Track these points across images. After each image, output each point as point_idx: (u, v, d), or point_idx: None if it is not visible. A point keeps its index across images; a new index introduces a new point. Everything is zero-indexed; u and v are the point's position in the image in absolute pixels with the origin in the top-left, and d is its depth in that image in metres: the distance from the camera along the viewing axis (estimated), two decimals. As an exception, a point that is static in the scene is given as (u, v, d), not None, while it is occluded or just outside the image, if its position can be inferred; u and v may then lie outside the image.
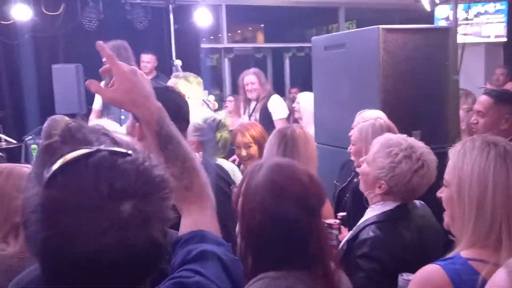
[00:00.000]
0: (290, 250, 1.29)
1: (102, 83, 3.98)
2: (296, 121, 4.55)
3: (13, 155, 4.89)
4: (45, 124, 2.95)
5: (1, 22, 5.54)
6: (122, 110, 4.58)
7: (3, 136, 4.59)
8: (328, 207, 2.16)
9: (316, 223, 1.34)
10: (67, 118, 2.99)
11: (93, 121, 4.35)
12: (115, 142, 0.82)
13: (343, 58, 3.32)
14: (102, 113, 4.49)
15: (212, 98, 4.64)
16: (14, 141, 4.63)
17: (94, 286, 0.73)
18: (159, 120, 1.10)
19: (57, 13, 5.76)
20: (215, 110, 4.64)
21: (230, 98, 5.78)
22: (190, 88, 3.09)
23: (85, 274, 0.72)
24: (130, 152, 0.79)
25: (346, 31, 4.24)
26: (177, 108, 1.72)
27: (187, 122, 1.78)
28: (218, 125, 2.64)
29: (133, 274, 0.76)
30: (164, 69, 6.12)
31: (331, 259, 1.38)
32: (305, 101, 4.18)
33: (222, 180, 2.04)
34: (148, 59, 5.67)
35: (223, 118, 2.77)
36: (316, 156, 2.29)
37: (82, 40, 5.78)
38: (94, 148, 0.77)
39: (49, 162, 0.76)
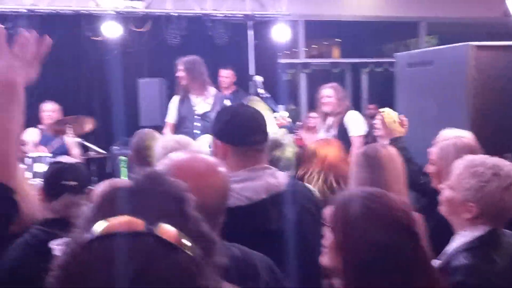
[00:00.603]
0: (398, 280, 1.25)
1: (176, 98, 4.03)
2: (375, 139, 4.44)
3: (101, 164, 5.17)
4: (134, 138, 3.09)
5: (93, 38, 5.91)
6: (195, 124, 4.66)
7: (93, 146, 4.87)
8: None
9: (422, 248, 1.29)
10: (155, 133, 3.10)
11: (168, 135, 4.49)
12: (186, 217, 0.70)
13: (429, 75, 3.22)
14: (176, 127, 4.63)
15: (285, 114, 4.63)
16: (103, 151, 4.89)
17: None
18: None
19: (144, 30, 6.07)
20: (288, 126, 4.63)
21: (314, 114, 5.74)
22: (259, 106, 3.13)
23: None
24: (182, 246, 0.66)
25: (433, 48, 4.09)
26: (254, 122, 1.76)
27: (265, 133, 1.80)
28: (274, 144, 2.57)
29: None
30: (242, 84, 6.24)
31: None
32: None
33: (310, 201, 1.86)
34: (226, 74, 5.81)
35: (281, 136, 2.70)
36: (404, 175, 2.21)
37: (165, 55, 6.04)
38: (142, 229, 0.66)
39: (102, 213, 0.69)
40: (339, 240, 1.28)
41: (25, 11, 5.64)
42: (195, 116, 4.54)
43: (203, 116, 4.53)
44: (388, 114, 3.08)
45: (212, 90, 4.76)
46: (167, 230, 0.66)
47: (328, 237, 1.32)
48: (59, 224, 1.83)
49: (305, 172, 2.56)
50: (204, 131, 4.43)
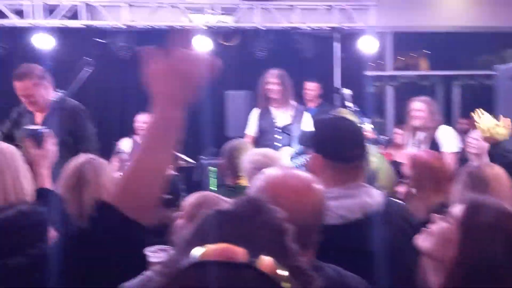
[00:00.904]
0: None
1: (257, 111, 4.08)
2: (467, 155, 4.21)
3: (189, 174, 5.34)
4: (227, 147, 3.15)
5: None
6: (275, 136, 4.73)
7: (182, 156, 5.05)
8: None
9: None
10: (247, 143, 3.16)
11: (254, 149, 4.52)
12: (285, 249, 0.68)
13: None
14: (256, 139, 4.65)
15: (369, 126, 4.51)
16: (193, 161, 5.05)
17: None
18: None
19: (232, 43, 6.23)
20: (375, 140, 4.50)
21: (398, 130, 5.58)
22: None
23: None
24: (280, 282, 0.64)
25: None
26: (355, 136, 1.73)
27: (364, 149, 1.76)
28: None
29: None
30: (327, 97, 6.20)
31: None
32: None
33: (406, 222, 1.76)
34: (312, 87, 5.80)
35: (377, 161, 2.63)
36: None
37: (251, 68, 6.16)
38: (242, 260, 0.64)
39: (201, 237, 0.68)
40: (462, 252, 1.20)
41: (124, 27, 6.00)
42: (276, 129, 4.55)
43: (284, 129, 4.55)
44: (487, 119, 2.91)
45: (292, 102, 4.74)
46: (268, 263, 0.64)
47: (440, 249, 1.23)
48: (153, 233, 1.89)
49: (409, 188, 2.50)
50: (284, 144, 4.44)
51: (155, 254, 1.77)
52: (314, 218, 1.25)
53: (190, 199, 1.99)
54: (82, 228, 1.09)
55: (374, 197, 1.69)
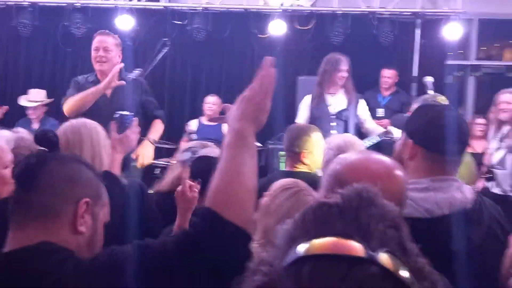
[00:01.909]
0: None
1: (308, 98, 3.92)
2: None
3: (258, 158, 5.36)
4: (289, 130, 3.09)
5: (259, 36, 6.13)
6: (331, 124, 4.43)
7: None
8: None
9: None
10: (308, 126, 3.06)
11: (335, 135, 4.37)
12: (403, 247, 0.60)
13: None
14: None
15: None
16: (260, 145, 5.05)
17: None
18: None
19: (308, 27, 6.11)
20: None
21: (482, 121, 5.25)
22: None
23: None
24: (404, 281, 0.57)
25: None
26: (459, 129, 1.60)
27: (466, 144, 1.64)
28: None
29: None
30: (404, 84, 5.95)
31: None
32: None
33: (497, 223, 1.62)
34: (389, 74, 5.59)
35: None
36: None
37: (327, 54, 6.02)
38: (364, 254, 0.57)
39: (306, 232, 0.61)
40: None
41: (201, 9, 6.06)
42: (331, 116, 4.37)
43: (339, 115, 4.36)
44: None
45: (347, 89, 4.51)
46: (389, 260, 0.57)
47: None
48: None
49: None
50: (341, 131, 4.22)
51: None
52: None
53: (280, 183, 1.94)
54: (190, 234, 1.11)
55: (465, 193, 1.57)
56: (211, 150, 2.45)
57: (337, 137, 2.80)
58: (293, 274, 0.57)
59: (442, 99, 3.38)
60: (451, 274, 1.37)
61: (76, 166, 1.22)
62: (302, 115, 4.56)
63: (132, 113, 2.31)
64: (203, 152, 2.43)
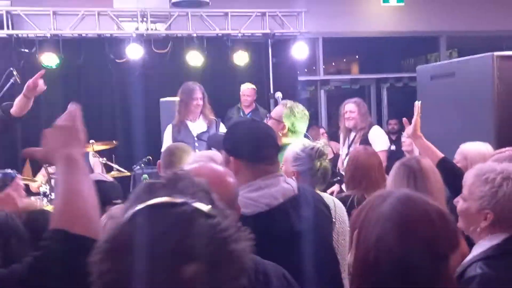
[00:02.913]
0: None
1: (170, 127, 4.01)
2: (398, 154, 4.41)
3: (123, 184, 5.21)
4: (164, 153, 3.10)
5: (116, 60, 6.03)
6: (195, 138, 4.67)
7: (116, 166, 4.92)
8: (463, 247, 1.95)
9: (443, 272, 1.17)
10: (184, 146, 3.11)
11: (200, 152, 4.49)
12: (211, 202, 0.83)
13: (452, 87, 3.20)
14: None
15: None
16: (126, 171, 4.94)
17: None
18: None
19: (165, 51, 6.16)
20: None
21: (322, 130, 5.78)
22: (293, 120, 3.11)
23: None
24: (215, 215, 0.78)
25: (455, 59, 4.07)
26: (265, 135, 1.82)
27: (276, 147, 1.85)
28: (316, 154, 2.57)
29: None
30: (262, 101, 6.27)
31: None
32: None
33: (323, 204, 1.95)
34: (248, 93, 5.85)
35: (322, 146, 2.70)
36: (443, 188, 2.18)
37: (186, 75, 6.13)
38: (180, 200, 0.79)
39: (141, 200, 0.80)
40: (357, 236, 1.23)
41: (49, 36, 5.79)
42: (194, 139, 4.57)
43: (200, 137, 4.58)
44: None
45: (204, 115, 4.77)
46: (201, 205, 0.79)
47: (354, 233, 1.26)
48: None
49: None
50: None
51: None
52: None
53: None
54: (42, 257, 1.11)
55: (291, 184, 1.80)
56: (101, 175, 2.41)
57: (201, 155, 2.87)
58: (133, 222, 0.76)
59: (300, 108, 3.60)
60: (299, 252, 1.61)
61: None
62: (167, 143, 4.62)
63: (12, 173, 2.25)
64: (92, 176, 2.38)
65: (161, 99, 5.65)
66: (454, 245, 1.20)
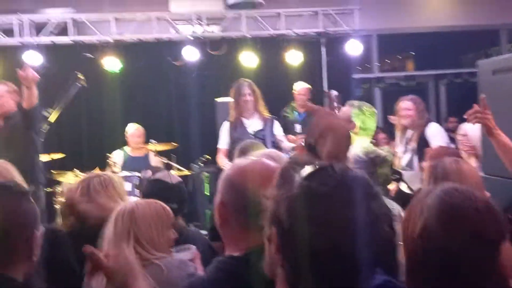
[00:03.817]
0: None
1: (227, 124, 4.10)
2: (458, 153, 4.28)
3: (183, 182, 5.37)
4: (239, 150, 3.16)
5: (174, 63, 6.22)
6: (251, 136, 4.80)
7: (176, 165, 5.08)
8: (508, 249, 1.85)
9: (493, 261, 1.12)
10: (258, 144, 3.16)
11: (224, 160, 4.58)
12: None
13: (516, 82, 3.09)
14: (230, 151, 4.69)
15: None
16: (185, 170, 5.09)
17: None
18: None
19: (220, 53, 6.30)
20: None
21: (382, 135, 5.72)
22: (363, 118, 3.13)
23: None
24: None
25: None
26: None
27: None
28: (380, 161, 2.54)
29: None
30: (315, 100, 6.27)
31: None
32: (473, 130, 3.91)
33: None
34: (303, 92, 5.87)
35: (387, 154, 2.67)
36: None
37: (241, 76, 6.23)
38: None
39: (288, 180, 0.90)
40: (403, 229, 1.20)
41: (112, 41, 6.05)
42: (250, 135, 4.63)
43: (257, 134, 4.66)
44: None
45: (259, 113, 4.85)
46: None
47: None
48: None
49: None
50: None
51: (180, 253, 1.84)
52: None
53: None
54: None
55: None
56: (167, 176, 2.50)
57: (262, 153, 2.92)
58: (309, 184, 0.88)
59: (367, 106, 3.58)
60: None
61: None
62: (224, 139, 4.79)
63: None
64: (158, 175, 2.49)
65: (217, 100, 5.78)
66: (501, 233, 1.15)
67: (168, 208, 1.90)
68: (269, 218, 0.90)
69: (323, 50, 6.51)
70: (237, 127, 4.73)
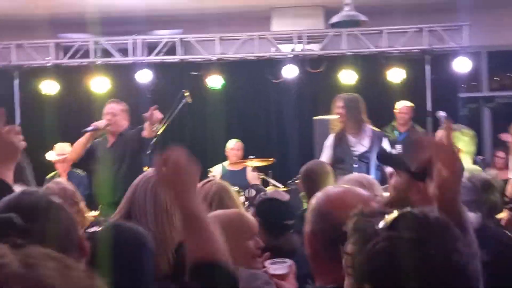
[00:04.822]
0: None
1: (332, 137, 3.97)
2: None
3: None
4: (304, 171, 3.15)
5: (273, 81, 6.34)
6: (354, 158, 4.51)
7: (272, 181, 5.14)
8: None
9: None
10: (325, 166, 3.12)
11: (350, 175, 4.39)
12: None
13: None
14: (333, 166, 4.52)
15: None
16: (282, 186, 5.13)
17: None
18: None
19: (319, 71, 6.31)
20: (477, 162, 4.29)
21: (501, 153, 5.29)
22: (464, 141, 2.97)
23: None
24: None
25: None
26: None
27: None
28: (486, 187, 2.36)
29: None
30: (418, 120, 6.03)
31: None
32: None
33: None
34: (405, 110, 5.69)
35: (493, 179, 2.48)
36: None
37: (338, 95, 6.18)
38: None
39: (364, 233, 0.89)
40: None
41: (215, 59, 6.31)
42: (353, 157, 4.35)
43: (361, 157, 4.36)
44: None
45: (368, 129, 4.56)
46: None
47: None
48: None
49: None
50: (362, 173, 4.16)
51: (274, 266, 1.86)
52: None
53: None
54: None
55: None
56: (278, 193, 2.56)
57: (352, 178, 2.84)
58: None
59: (465, 131, 3.41)
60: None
61: None
62: (326, 154, 4.57)
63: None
64: (270, 194, 2.56)
65: (315, 118, 5.78)
66: None
67: (250, 218, 1.92)
68: (359, 275, 0.87)
69: (427, 67, 6.26)
70: (342, 144, 4.46)
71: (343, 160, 4.36)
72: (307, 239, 1.24)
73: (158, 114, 4.02)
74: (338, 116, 4.56)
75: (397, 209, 0.90)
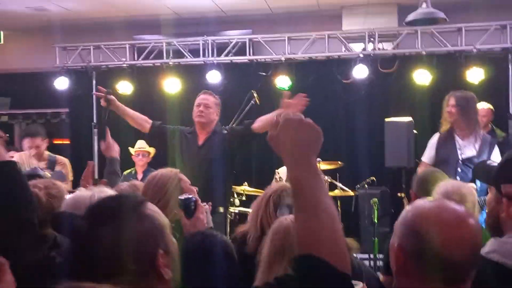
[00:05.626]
0: None
1: (437, 136, 3.66)
2: None
3: (346, 204, 5.29)
4: (418, 180, 2.97)
5: (343, 81, 6.20)
6: (457, 169, 4.06)
7: (339, 185, 5.03)
8: None
9: None
10: (439, 175, 2.93)
11: (451, 181, 4.06)
12: None
13: None
14: (434, 167, 4.27)
15: None
16: (349, 190, 5.01)
17: None
18: None
19: (391, 70, 6.08)
20: None
21: None
22: None
23: None
24: None
25: None
26: None
27: None
28: None
29: None
30: (498, 122, 5.67)
31: None
32: None
33: None
34: (484, 113, 5.36)
35: None
36: None
37: (412, 95, 5.93)
38: None
39: None
40: None
41: (284, 59, 6.27)
42: (459, 161, 4.00)
43: (468, 161, 3.99)
44: None
45: (480, 132, 4.16)
46: None
47: None
48: None
49: None
50: (467, 180, 3.73)
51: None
52: (467, 253, 1.14)
53: None
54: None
55: None
56: None
57: (447, 183, 2.65)
58: None
59: None
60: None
61: None
62: (429, 153, 4.27)
63: (193, 196, 2.24)
64: None
65: (386, 119, 5.58)
66: None
67: None
68: None
69: (511, 67, 5.85)
70: (448, 144, 4.10)
71: (446, 162, 4.02)
72: (393, 253, 1.18)
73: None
74: (448, 115, 4.15)
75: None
